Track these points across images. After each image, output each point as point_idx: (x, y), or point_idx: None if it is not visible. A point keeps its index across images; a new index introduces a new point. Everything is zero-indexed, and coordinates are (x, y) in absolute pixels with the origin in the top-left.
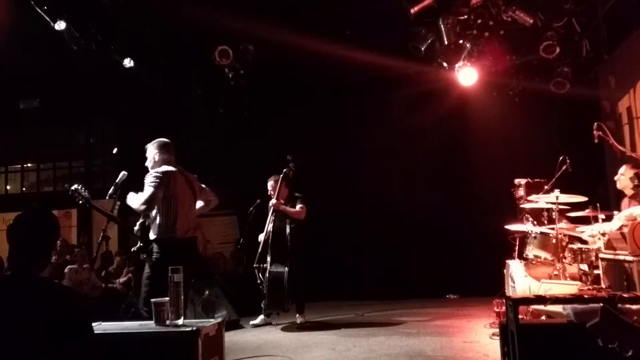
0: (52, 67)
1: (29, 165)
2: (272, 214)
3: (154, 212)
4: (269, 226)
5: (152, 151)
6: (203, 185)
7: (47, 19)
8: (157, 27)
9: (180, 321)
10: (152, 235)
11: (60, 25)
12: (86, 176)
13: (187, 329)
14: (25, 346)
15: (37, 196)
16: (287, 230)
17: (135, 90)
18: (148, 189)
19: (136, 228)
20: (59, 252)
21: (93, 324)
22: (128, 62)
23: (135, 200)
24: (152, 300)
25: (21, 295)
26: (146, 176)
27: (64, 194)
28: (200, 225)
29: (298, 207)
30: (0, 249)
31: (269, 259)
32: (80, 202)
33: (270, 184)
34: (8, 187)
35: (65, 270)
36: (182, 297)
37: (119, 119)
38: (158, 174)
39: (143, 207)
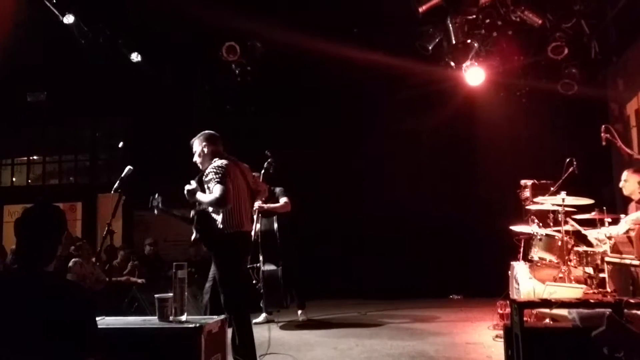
0: (59, 60)
1: (35, 157)
2: (258, 213)
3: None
4: (256, 226)
5: (199, 144)
6: (255, 174)
7: (56, 12)
8: (165, 22)
9: (184, 317)
10: (221, 228)
11: (69, 19)
12: (92, 170)
13: (190, 326)
14: (30, 339)
15: (43, 189)
16: (275, 226)
17: (142, 85)
18: (218, 187)
19: (192, 215)
20: (64, 245)
21: (97, 319)
22: (135, 57)
23: (207, 197)
24: (156, 295)
25: (27, 289)
26: (206, 172)
27: (69, 186)
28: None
29: (282, 200)
30: (6, 240)
31: (261, 258)
32: (156, 212)
33: None
34: (14, 179)
35: (70, 263)
36: (186, 293)
37: (125, 113)
38: (219, 168)
39: (222, 204)
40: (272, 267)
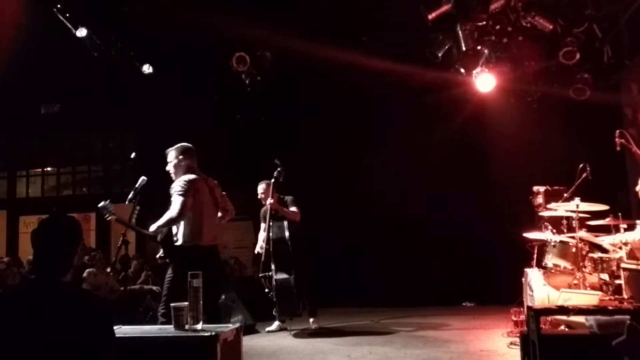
0: (72, 72)
1: (49, 169)
2: (268, 220)
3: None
4: (268, 234)
5: (174, 155)
6: (223, 193)
7: (69, 25)
8: (175, 34)
9: (199, 326)
10: (178, 242)
11: (82, 32)
12: (105, 180)
13: (206, 334)
14: (48, 349)
15: (57, 200)
16: (287, 235)
17: (154, 96)
18: (177, 198)
19: (159, 236)
20: (78, 255)
21: (114, 328)
22: (147, 68)
23: (163, 218)
24: (172, 304)
25: (45, 299)
26: (173, 185)
27: (83, 197)
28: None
29: (292, 209)
30: (22, 251)
31: (273, 267)
32: (109, 218)
33: (262, 187)
34: (29, 191)
35: (84, 273)
36: (201, 302)
37: (138, 124)
38: (185, 182)
39: (176, 216)
40: (284, 275)
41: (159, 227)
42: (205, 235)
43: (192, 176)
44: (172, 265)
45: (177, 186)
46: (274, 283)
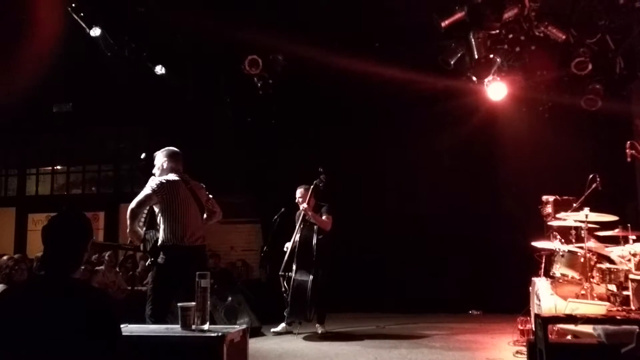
0: (85, 72)
1: (59, 167)
2: (300, 222)
3: (160, 220)
4: (296, 235)
5: (160, 159)
6: (210, 195)
7: (84, 25)
8: (188, 36)
9: (206, 326)
10: (159, 241)
11: (96, 32)
12: (115, 180)
13: (213, 335)
14: (56, 345)
15: (66, 198)
16: (314, 240)
17: (166, 97)
18: (145, 190)
19: (149, 235)
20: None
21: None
22: (159, 69)
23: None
24: (179, 304)
25: (54, 295)
26: (150, 180)
27: (92, 196)
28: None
29: (324, 217)
30: (30, 248)
31: (294, 267)
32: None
33: (300, 191)
34: (38, 189)
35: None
36: (209, 302)
37: (149, 124)
38: (159, 181)
39: (135, 206)
40: (303, 277)
41: (128, 224)
42: (186, 235)
43: (170, 178)
44: (154, 266)
45: (151, 182)
46: (292, 282)
